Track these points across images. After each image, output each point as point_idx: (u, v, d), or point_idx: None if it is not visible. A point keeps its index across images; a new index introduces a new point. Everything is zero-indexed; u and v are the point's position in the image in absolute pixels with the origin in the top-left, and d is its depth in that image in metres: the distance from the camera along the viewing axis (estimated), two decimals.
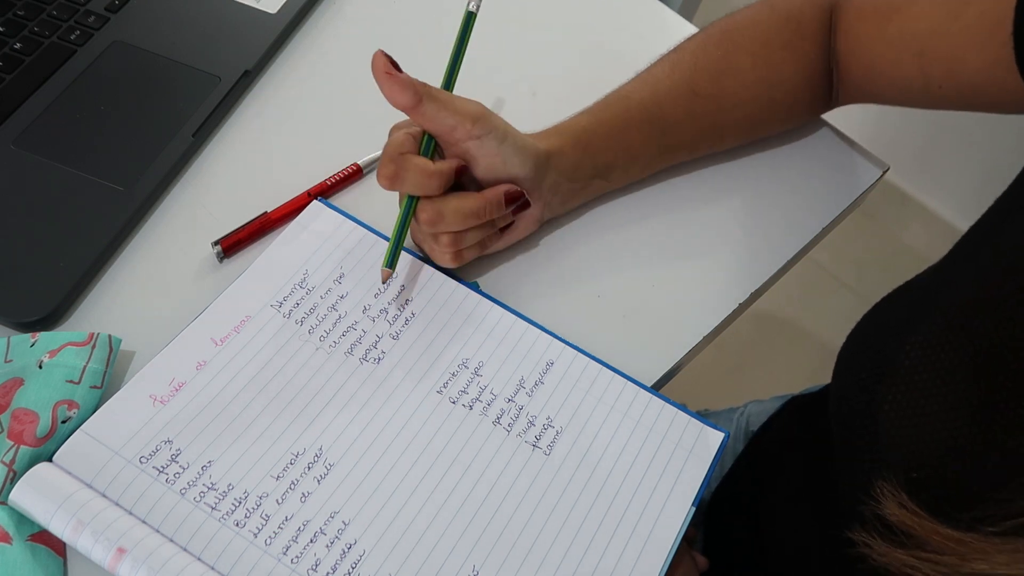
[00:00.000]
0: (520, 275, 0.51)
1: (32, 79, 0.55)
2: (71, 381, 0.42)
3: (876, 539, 0.34)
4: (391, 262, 0.45)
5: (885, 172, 0.60)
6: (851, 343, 0.43)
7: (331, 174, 0.53)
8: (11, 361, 0.43)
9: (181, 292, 0.48)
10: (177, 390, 0.43)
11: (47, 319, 0.45)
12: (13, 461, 0.39)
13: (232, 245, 0.49)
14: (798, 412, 0.64)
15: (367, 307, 0.48)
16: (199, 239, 0.50)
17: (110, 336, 0.44)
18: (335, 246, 0.50)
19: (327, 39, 0.62)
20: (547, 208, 0.50)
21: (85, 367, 0.42)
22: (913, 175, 1.51)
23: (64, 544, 0.40)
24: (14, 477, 0.39)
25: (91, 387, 0.42)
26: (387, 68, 0.42)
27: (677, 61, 0.53)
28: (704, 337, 0.51)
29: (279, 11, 0.61)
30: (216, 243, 0.49)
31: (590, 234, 0.54)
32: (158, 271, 0.49)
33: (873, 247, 1.55)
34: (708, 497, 0.65)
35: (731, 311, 0.52)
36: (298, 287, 0.48)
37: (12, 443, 0.40)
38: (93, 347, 0.43)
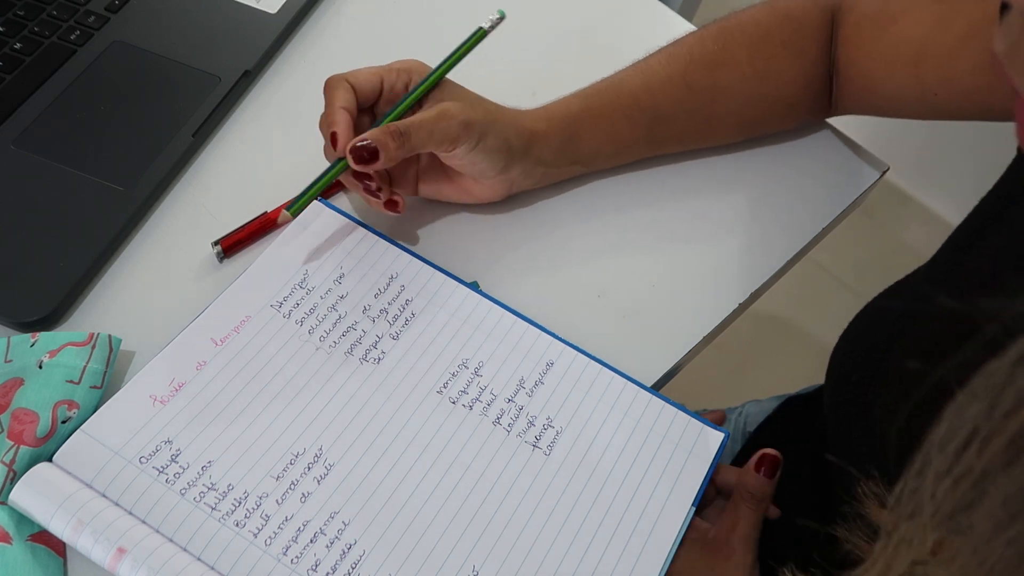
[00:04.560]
0: (520, 275, 0.51)
1: (32, 79, 0.55)
2: (71, 381, 0.42)
3: (861, 540, 0.34)
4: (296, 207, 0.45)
5: (885, 172, 0.60)
6: (843, 344, 0.43)
7: None
8: (11, 361, 0.43)
9: (181, 292, 0.48)
10: (177, 390, 0.43)
11: (47, 319, 0.45)
12: (13, 461, 0.39)
13: (232, 245, 0.49)
14: (794, 412, 0.64)
15: (367, 307, 0.48)
16: (199, 239, 0.50)
17: (110, 336, 0.44)
18: (335, 246, 0.50)
19: (327, 39, 0.62)
20: (515, 186, 0.52)
21: (85, 367, 0.42)
22: (913, 175, 1.51)
23: (64, 544, 0.40)
24: (14, 477, 0.39)
25: (91, 387, 0.42)
26: (365, 168, 0.44)
27: (674, 53, 0.53)
28: (704, 337, 0.51)
29: (279, 11, 0.61)
30: (216, 243, 0.49)
31: (591, 234, 0.54)
32: (158, 271, 0.49)
33: (873, 247, 1.55)
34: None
35: (731, 311, 0.52)
36: (298, 287, 0.48)
37: (12, 443, 0.40)
38: (93, 347, 0.43)
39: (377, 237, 0.50)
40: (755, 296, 0.54)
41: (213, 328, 0.46)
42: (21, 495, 0.39)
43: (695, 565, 0.43)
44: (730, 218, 0.56)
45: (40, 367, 0.42)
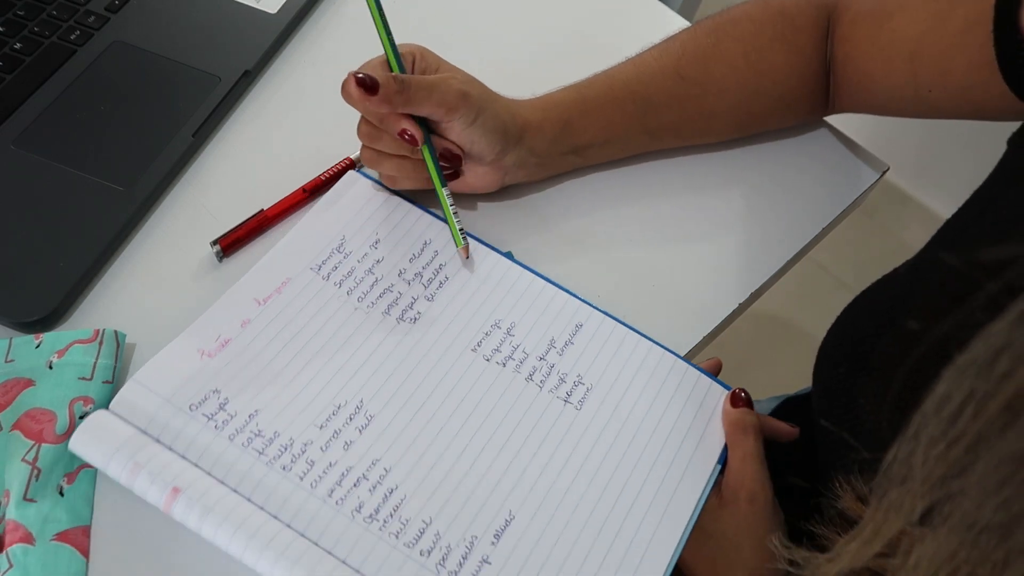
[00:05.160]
0: None
1: (32, 79, 0.55)
2: (83, 378, 0.42)
3: (835, 534, 0.34)
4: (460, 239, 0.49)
5: (885, 172, 0.60)
6: (831, 337, 0.43)
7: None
8: (12, 361, 0.43)
9: (181, 292, 0.48)
10: (224, 345, 0.45)
11: (47, 319, 0.45)
12: (36, 459, 0.40)
13: (231, 244, 0.49)
14: (792, 412, 0.64)
15: (402, 271, 0.49)
16: (199, 239, 0.50)
17: (116, 332, 0.44)
18: (371, 213, 0.51)
19: (327, 39, 0.62)
20: (508, 176, 0.52)
21: (96, 363, 0.43)
22: (913, 175, 1.51)
23: (88, 544, 0.40)
24: (39, 475, 0.40)
25: (103, 382, 0.43)
26: (362, 97, 0.44)
27: (667, 48, 0.54)
28: (704, 337, 0.51)
29: (279, 11, 0.61)
30: (215, 242, 0.49)
31: (590, 234, 0.54)
32: (158, 271, 0.49)
33: (873, 247, 1.55)
34: None
35: (731, 311, 0.52)
36: (336, 252, 0.50)
37: (33, 442, 0.40)
38: (100, 343, 0.43)
39: (411, 205, 0.52)
40: (755, 296, 0.54)
41: (256, 289, 0.47)
42: (79, 442, 0.40)
43: (715, 515, 0.44)
44: (730, 218, 0.56)
45: (50, 367, 0.42)
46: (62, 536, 0.39)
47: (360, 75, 0.44)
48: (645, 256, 0.54)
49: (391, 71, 0.47)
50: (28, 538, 0.39)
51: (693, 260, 0.54)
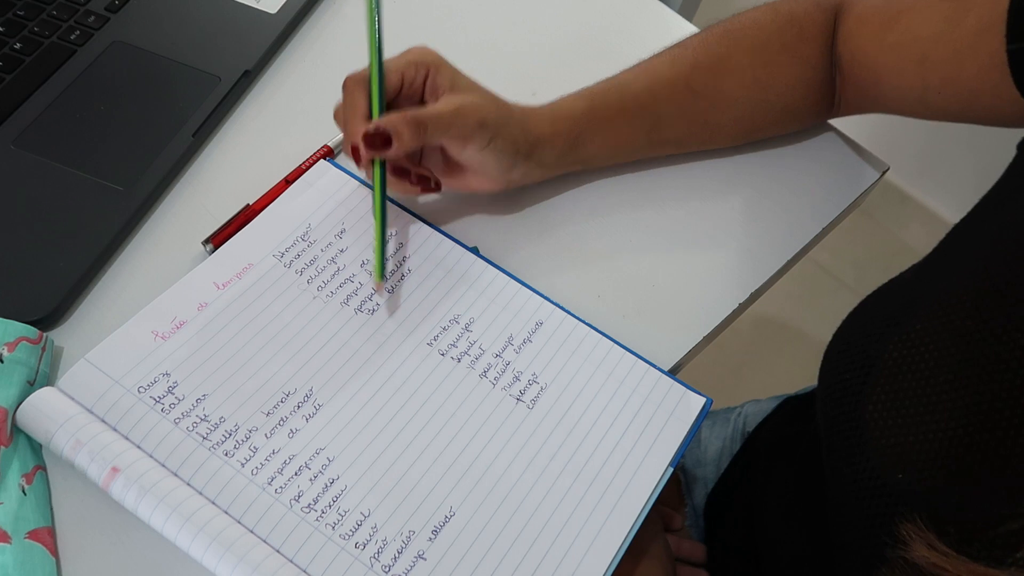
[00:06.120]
0: (518, 276, 0.51)
1: (32, 79, 0.55)
2: (29, 382, 0.42)
3: None
4: (382, 272, 0.47)
5: (885, 172, 0.59)
6: (836, 342, 0.43)
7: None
8: None
9: None
10: (178, 328, 0.45)
11: (47, 319, 0.45)
12: None
13: (222, 241, 0.49)
14: (792, 412, 0.64)
15: (365, 262, 0.49)
16: (199, 239, 0.50)
17: (52, 340, 0.44)
18: (338, 203, 0.51)
19: (327, 39, 0.62)
20: (511, 185, 0.52)
21: (38, 369, 0.43)
22: (913, 175, 1.51)
23: (54, 544, 0.40)
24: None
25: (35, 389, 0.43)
26: (376, 154, 0.45)
27: (678, 56, 0.53)
28: (704, 337, 0.51)
29: (279, 11, 0.61)
30: (207, 241, 0.49)
31: (590, 235, 0.54)
32: (158, 271, 0.49)
33: (873, 247, 1.55)
34: (705, 499, 0.65)
35: (731, 311, 0.52)
36: (300, 239, 0.50)
37: None
38: (43, 349, 0.43)
39: None
40: (755, 296, 0.54)
41: (216, 273, 0.47)
42: (26, 415, 0.40)
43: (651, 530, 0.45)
44: (730, 218, 0.56)
45: (1, 360, 0.42)
46: (33, 535, 0.39)
47: (371, 132, 0.44)
48: (644, 256, 0.54)
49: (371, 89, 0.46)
50: (5, 537, 0.38)
51: (693, 260, 0.54)
